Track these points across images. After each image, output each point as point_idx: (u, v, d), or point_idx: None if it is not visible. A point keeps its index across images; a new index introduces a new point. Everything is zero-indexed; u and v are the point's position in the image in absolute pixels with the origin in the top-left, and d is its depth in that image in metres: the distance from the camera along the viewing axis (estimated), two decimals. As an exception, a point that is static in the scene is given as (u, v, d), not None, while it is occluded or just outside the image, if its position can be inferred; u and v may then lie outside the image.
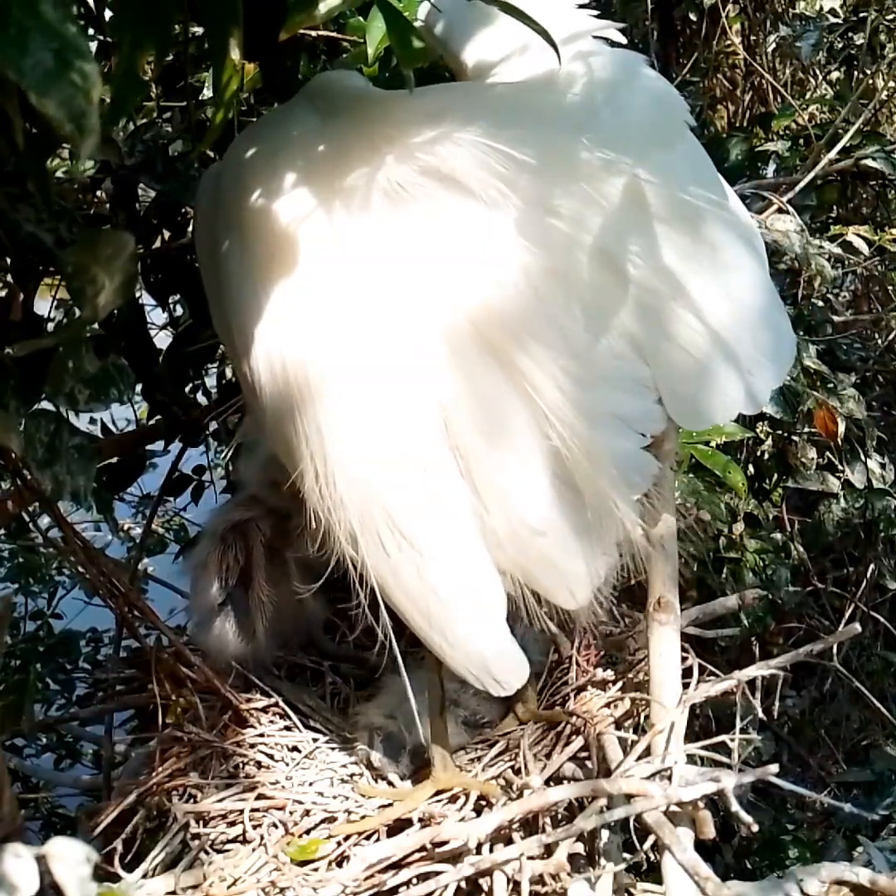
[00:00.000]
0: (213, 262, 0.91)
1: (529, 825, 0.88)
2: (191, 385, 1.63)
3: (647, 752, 0.85)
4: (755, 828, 0.75)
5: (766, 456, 1.58)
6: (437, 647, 0.82)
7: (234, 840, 0.96)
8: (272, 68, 1.06)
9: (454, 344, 0.79)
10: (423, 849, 0.84)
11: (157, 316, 1.65)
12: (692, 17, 2.23)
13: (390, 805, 0.95)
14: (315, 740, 1.09)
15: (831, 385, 1.51)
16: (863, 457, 1.57)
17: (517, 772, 0.97)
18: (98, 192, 1.42)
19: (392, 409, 0.80)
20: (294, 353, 0.81)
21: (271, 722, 1.11)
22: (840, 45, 2.03)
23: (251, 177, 0.87)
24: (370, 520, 0.80)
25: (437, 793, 0.94)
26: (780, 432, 1.55)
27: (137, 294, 1.38)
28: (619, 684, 1.04)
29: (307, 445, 0.81)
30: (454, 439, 0.79)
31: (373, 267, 0.81)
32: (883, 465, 1.61)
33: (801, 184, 1.61)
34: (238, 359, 0.88)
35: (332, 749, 1.08)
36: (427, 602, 0.80)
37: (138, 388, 1.37)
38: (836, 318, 1.73)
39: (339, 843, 0.91)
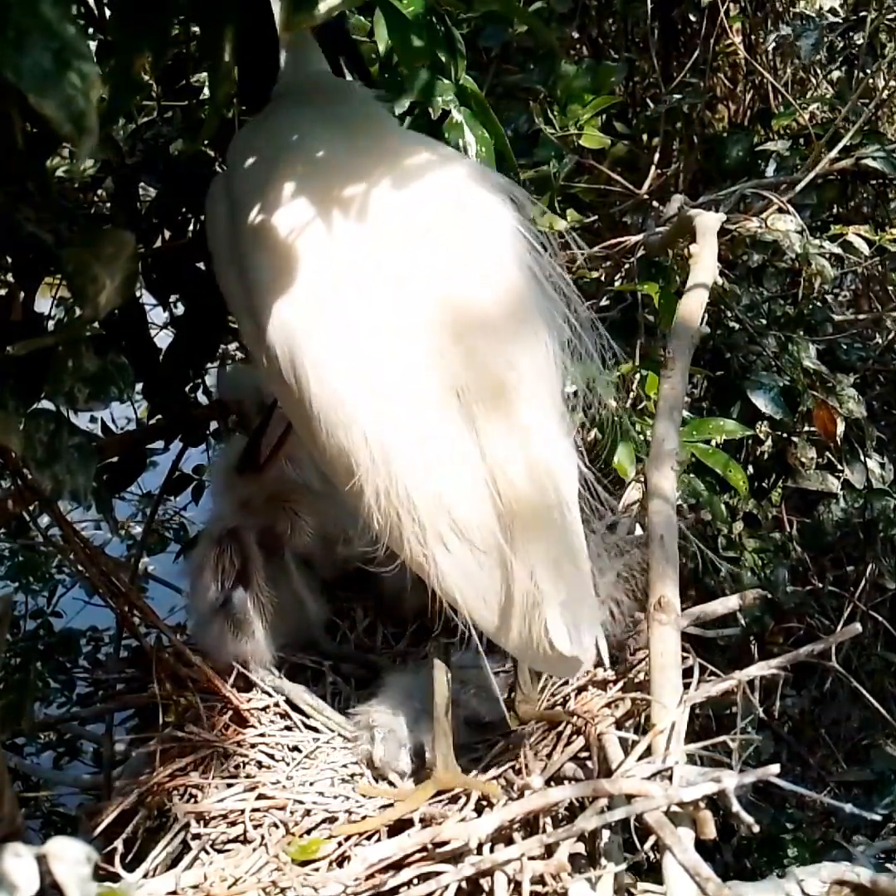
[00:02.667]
0: (237, 267, 0.94)
1: (530, 825, 0.88)
2: (191, 384, 1.63)
3: (647, 752, 0.85)
4: (756, 828, 0.75)
5: (766, 456, 1.58)
6: (502, 636, 0.87)
7: (234, 840, 0.96)
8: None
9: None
10: (423, 849, 0.84)
11: (157, 315, 1.64)
12: (692, 16, 2.22)
13: (391, 805, 0.95)
14: (316, 740, 1.09)
15: (831, 385, 1.51)
16: (862, 457, 1.57)
17: (518, 772, 0.97)
18: (99, 192, 1.42)
19: (428, 412, 0.84)
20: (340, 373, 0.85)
21: (272, 722, 1.11)
22: (840, 45, 2.03)
23: (262, 185, 0.90)
24: (434, 522, 0.84)
25: (439, 793, 0.94)
26: (779, 433, 1.55)
27: (138, 293, 1.38)
28: (620, 684, 1.03)
29: (369, 456, 0.84)
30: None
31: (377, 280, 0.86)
32: (882, 465, 1.61)
33: (802, 183, 1.61)
34: (277, 372, 0.89)
35: (333, 749, 1.08)
36: (492, 596, 0.85)
37: (138, 387, 1.37)
38: (836, 317, 1.73)
39: (339, 843, 0.91)
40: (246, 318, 0.95)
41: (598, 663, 1.08)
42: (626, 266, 1.50)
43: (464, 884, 0.82)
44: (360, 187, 0.87)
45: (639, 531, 1.15)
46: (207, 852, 0.95)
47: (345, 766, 1.05)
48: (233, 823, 0.97)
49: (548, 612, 0.85)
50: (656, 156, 1.86)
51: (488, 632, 0.88)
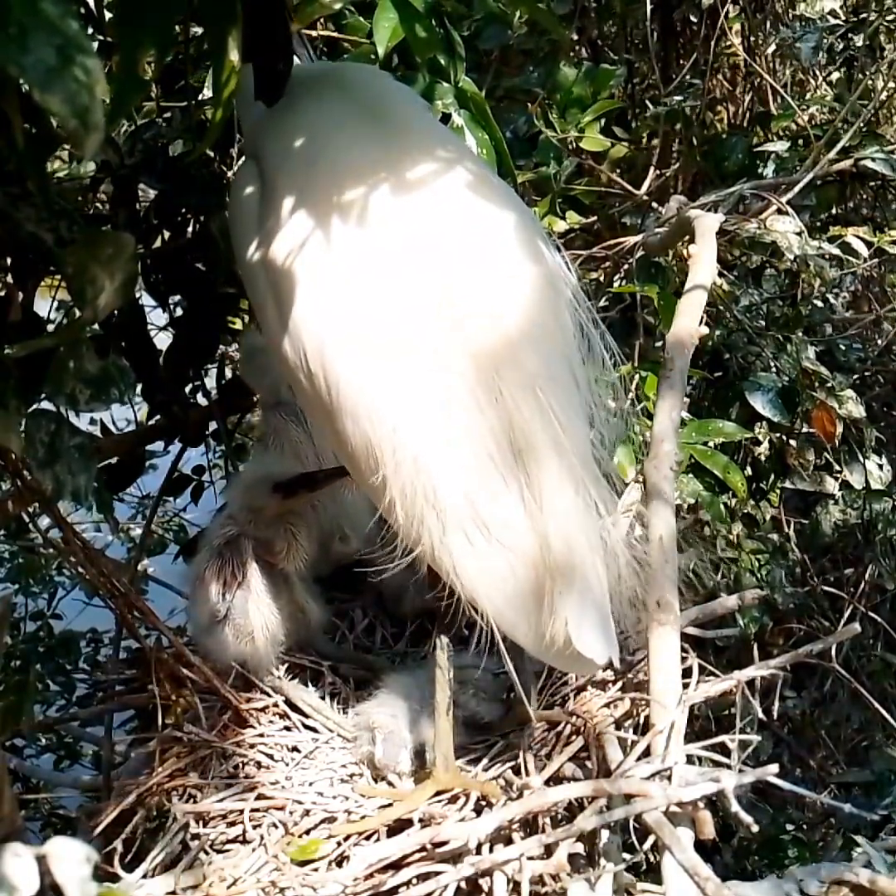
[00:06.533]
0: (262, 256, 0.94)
1: (529, 825, 0.88)
2: (191, 385, 1.63)
3: (647, 752, 0.85)
4: (755, 828, 0.75)
5: (764, 457, 1.58)
6: (521, 635, 0.87)
7: (233, 840, 0.96)
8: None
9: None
10: (423, 849, 0.84)
11: (157, 317, 1.65)
12: (692, 18, 2.22)
13: (390, 805, 0.95)
14: (315, 740, 1.09)
15: (829, 386, 1.51)
16: (861, 458, 1.57)
17: (517, 772, 0.97)
18: (98, 192, 1.43)
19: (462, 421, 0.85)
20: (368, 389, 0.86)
21: (271, 722, 1.11)
22: (840, 47, 2.03)
23: (301, 176, 0.92)
24: (460, 519, 0.85)
25: (438, 793, 0.94)
26: (778, 434, 1.55)
27: (137, 294, 1.38)
28: (619, 684, 1.04)
29: (393, 451, 0.85)
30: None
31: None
32: (880, 467, 1.60)
33: (801, 185, 1.61)
34: (300, 364, 0.90)
35: (332, 749, 1.08)
36: (516, 595, 0.86)
37: (138, 388, 1.37)
38: (835, 318, 1.73)
39: (339, 843, 0.91)
40: (270, 304, 0.94)
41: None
42: (626, 267, 1.50)
43: (463, 884, 0.82)
44: (396, 190, 0.89)
45: (638, 531, 1.15)
46: (206, 852, 0.95)
47: (344, 766, 1.05)
48: (232, 824, 0.97)
49: (572, 614, 0.85)
50: (656, 157, 1.86)
51: (507, 630, 0.88)
